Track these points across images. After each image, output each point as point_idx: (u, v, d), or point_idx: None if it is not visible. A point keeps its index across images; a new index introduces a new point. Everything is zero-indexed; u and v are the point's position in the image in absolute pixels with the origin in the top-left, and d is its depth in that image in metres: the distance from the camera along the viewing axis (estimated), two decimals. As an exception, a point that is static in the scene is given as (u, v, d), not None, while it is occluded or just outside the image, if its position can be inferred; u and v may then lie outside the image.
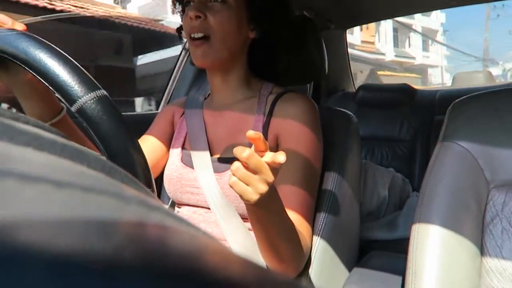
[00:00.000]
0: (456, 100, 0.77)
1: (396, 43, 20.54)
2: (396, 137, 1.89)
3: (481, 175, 0.68)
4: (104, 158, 0.19)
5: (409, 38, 21.41)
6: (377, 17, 2.09)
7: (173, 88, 1.62)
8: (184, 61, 1.61)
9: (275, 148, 0.81)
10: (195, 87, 1.52)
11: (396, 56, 19.99)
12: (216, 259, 0.11)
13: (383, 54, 19.27)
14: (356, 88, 2.17)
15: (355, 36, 17.18)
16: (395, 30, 19.66)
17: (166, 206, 0.95)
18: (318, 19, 1.69)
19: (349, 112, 0.97)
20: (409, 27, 19.70)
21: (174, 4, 0.89)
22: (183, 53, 1.63)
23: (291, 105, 0.82)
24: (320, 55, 1.00)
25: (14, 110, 0.51)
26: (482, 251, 0.66)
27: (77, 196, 0.11)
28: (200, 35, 0.78)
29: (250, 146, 0.80)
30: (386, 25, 19.15)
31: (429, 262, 0.64)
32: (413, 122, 1.88)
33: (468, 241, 0.65)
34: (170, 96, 1.62)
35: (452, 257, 0.64)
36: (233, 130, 0.84)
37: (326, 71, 1.04)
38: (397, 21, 17.17)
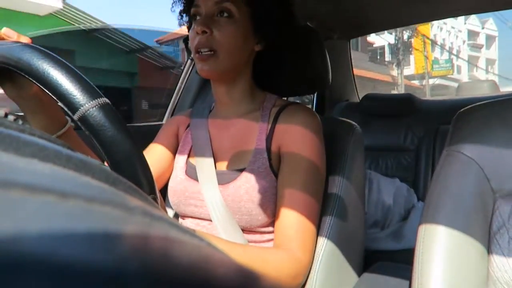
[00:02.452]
0: (462, 109, 0.77)
1: (469, 69, 32.55)
2: (401, 147, 1.88)
3: (487, 184, 0.68)
4: (108, 169, 0.19)
5: (476, 65, 33.00)
6: (380, 27, 2.09)
7: (177, 99, 1.62)
8: (189, 73, 1.61)
9: (279, 158, 0.81)
10: (200, 99, 1.53)
11: (468, 78, 29.54)
12: (220, 269, 0.11)
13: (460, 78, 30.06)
14: (360, 98, 2.17)
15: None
16: (468, 62, 31.08)
17: (170, 214, 0.95)
18: (321, 29, 1.70)
19: (353, 122, 0.97)
20: (474, 64, 31.67)
21: (181, 16, 0.90)
22: (187, 64, 1.64)
23: (294, 117, 0.82)
24: (323, 65, 1.01)
25: (20, 122, 0.51)
26: (489, 261, 0.65)
27: (81, 206, 0.11)
28: (206, 50, 0.79)
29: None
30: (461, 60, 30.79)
31: (435, 272, 0.63)
32: (418, 132, 1.86)
33: (474, 251, 0.64)
34: (175, 108, 1.62)
35: (458, 267, 0.63)
36: (238, 142, 0.85)
37: (330, 81, 1.04)
38: (468, 56, 30.11)
